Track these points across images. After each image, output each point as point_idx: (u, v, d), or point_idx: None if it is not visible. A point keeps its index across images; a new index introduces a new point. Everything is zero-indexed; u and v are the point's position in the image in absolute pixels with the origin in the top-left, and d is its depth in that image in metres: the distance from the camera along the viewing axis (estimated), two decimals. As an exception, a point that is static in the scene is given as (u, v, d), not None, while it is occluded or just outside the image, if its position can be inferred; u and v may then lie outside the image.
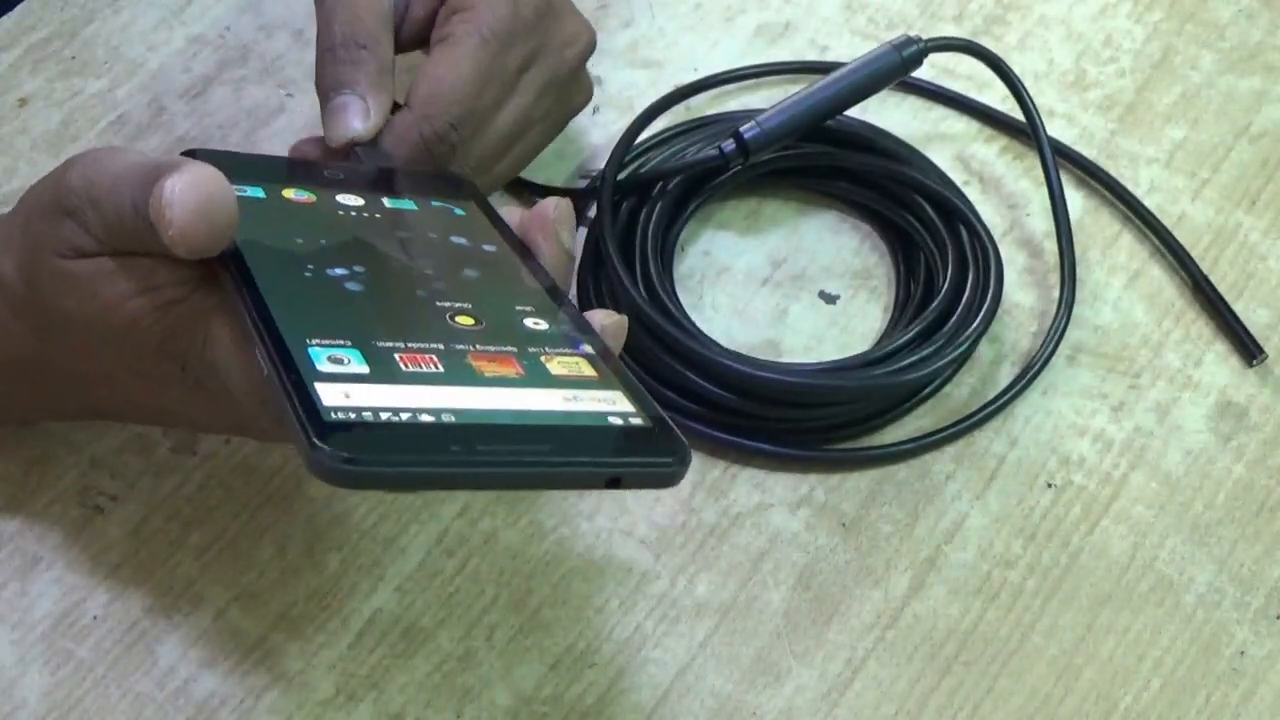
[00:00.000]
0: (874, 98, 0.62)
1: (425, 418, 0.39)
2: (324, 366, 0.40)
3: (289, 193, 0.49)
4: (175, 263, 0.45)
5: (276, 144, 0.64)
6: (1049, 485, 0.57)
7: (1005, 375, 0.59)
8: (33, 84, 0.66)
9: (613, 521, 0.55)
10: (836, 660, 0.52)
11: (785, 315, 0.61)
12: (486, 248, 0.49)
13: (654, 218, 0.60)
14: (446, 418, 0.39)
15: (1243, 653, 0.53)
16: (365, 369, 0.40)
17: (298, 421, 0.38)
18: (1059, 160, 0.65)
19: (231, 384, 0.44)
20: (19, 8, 0.68)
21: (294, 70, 0.67)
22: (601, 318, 0.47)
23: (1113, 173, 0.65)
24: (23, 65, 0.66)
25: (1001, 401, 0.58)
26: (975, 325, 0.58)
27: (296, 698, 0.51)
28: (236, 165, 0.49)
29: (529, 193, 0.63)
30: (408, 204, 0.51)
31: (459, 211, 0.52)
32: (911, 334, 0.57)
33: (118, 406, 0.51)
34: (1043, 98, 0.67)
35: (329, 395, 0.39)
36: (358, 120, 0.52)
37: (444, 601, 0.53)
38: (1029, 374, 0.59)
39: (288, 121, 0.65)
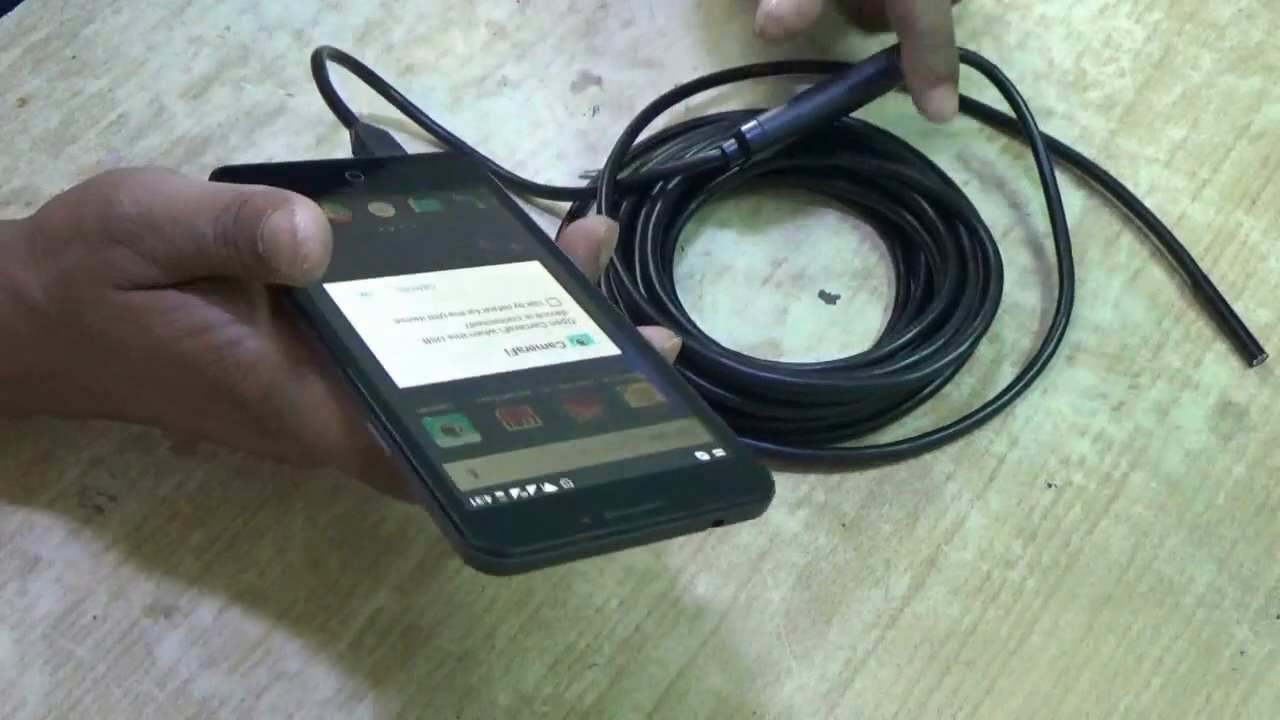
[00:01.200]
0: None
1: (548, 487, 0.40)
2: (442, 441, 0.41)
3: (327, 211, 0.49)
4: (234, 303, 0.45)
5: (277, 144, 0.64)
6: (1049, 485, 0.57)
7: (1005, 375, 0.59)
8: (33, 84, 0.66)
9: (613, 521, 0.55)
10: (836, 660, 0.52)
11: (785, 315, 0.61)
12: (515, 247, 0.50)
13: (654, 218, 0.60)
14: (565, 483, 0.41)
15: (1243, 653, 0.53)
16: (477, 437, 0.42)
17: (444, 515, 0.39)
18: (1059, 160, 0.65)
19: (304, 432, 0.45)
20: (19, 8, 0.68)
21: (294, 70, 0.67)
22: (660, 339, 0.48)
23: (1113, 173, 0.65)
24: (23, 65, 0.66)
25: (1001, 402, 0.58)
26: (975, 325, 0.58)
27: (296, 697, 0.51)
28: (268, 180, 0.50)
29: (529, 193, 0.63)
30: (433, 204, 0.52)
31: (480, 205, 0.52)
32: (911, 334, 0.57)
33: (132, 416, 0.51)
34: (1043, 98, 0.67)
35: (460, 479, 0.40)
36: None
37: (444, 601, 0.53)
38: (1029, 374, 0.59)
39: (287, 121, 0.65)
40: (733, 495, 0.42)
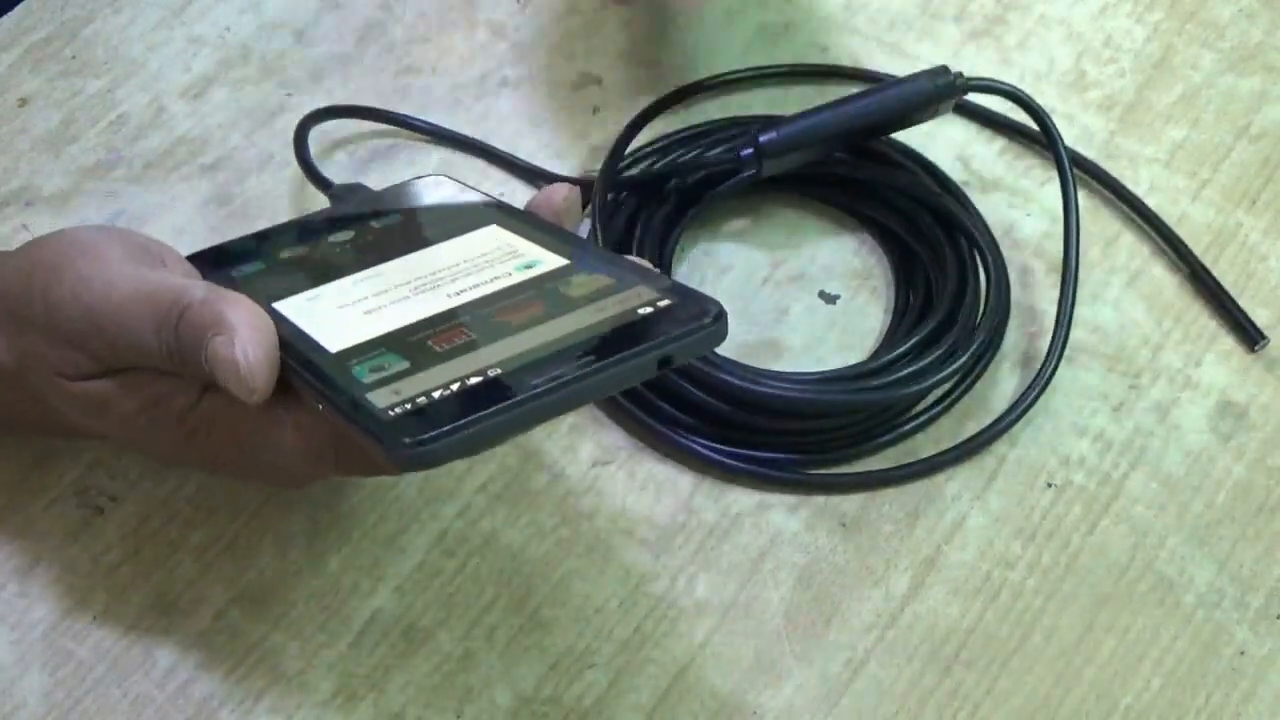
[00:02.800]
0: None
1: (473, 380, 0.40)
2: (368, 378, 0.41)
3: (284, 253, 0.51)
4: (180, 375, 0.45)
5: (277, 144, 0.64)
6: (1049, 485, 0.57)
7: (1005, 375, 0.59)
8: (33, 84, 0.66)
9: (612, 522, 0.55)
10: (836, 660, 0.52)
11: (785, 315, 0.61)
12: (472, 222, 0.51)
13: (654, 220, 0.60)
14: (493, 372, 0.40)
15: (1243, 653, 0.53)
16: (405, 364, 0.42)
17: (362, 431, 0.39)
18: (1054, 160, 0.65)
19: (282, 457, 0.45)
20: (19, 8, 0.68)
21: (294, 70, 0.67)
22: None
23: (1113, 173, 0.65)
24: (23, 65, 0.66)
25: (1005, 422, 0.57)
26: (976, 337, 0.57)
27: (296, 698, 0.51)
28: (233, 252, 0.52)
29: (535, 178, 0.63)
30: (394, 218, 0.53)
31: (444, 202, 0.53)
32: (909, 344, 0.57)
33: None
34: (1043, 98, 0.67)
35: (381, 399, 0.40)
36: None
37: (444, 601, 0.53)
38: (1032, 392, 0.58)
39: (288, 121, 0.65)
40: (675, 330, 0.41)
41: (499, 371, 0.40)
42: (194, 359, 0.43)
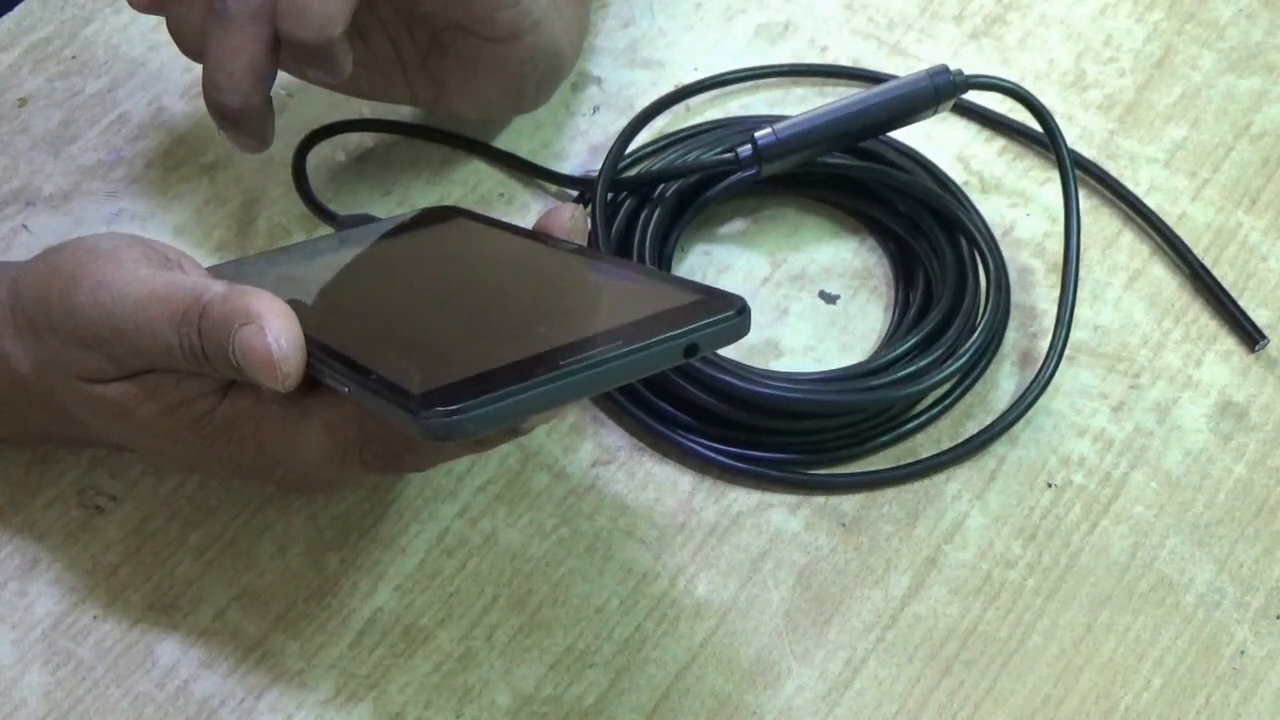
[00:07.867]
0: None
1: (500, 363, 0.41)
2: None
3: (298, 268, 0.52)
4: (201, 377, 0.45)
5: (278, 143, 0.63)
6: (1049, 485, 0.57)
7: (1005, 374, 0.59)
8: (33, 84, 0.66)
9: (612, 521, 0.55)
10: (836, 660, 0.52)
11: (785, 315, 0.61)
12: (488, 240, 0.51)
13: (655, 218, 0.60)
14: (520, 355, 0.41)
15: (1243, 653, 0.53)
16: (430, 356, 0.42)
17: (395, 405, 0.40)
18: (1057, 161, 0.64)
19: (305, 461, 0.45)
20: (19, 8, 0.68)
21: (294, 70, 0.67)
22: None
23: (1113, 173, 0.65)
24: (23, 65, 0.66)
25: (1005, 422, 0.57)
26: (976, 338, 0.57)
27: (296, 697, 0.51)
28: (244, 267, 0.53)
29: (539, 178, 0.64)
30: (405, 238, 0.54)
31: (455, 231, 0.54)
32: (910, 344, 0.57)
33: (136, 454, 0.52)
34: (1043, 98, 0.67)
35: (410, 383, 0.40)
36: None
37: (444, 601, 0.53)
38: (1032, 392, 0.58)
39: (288, 121, 0.65)
40: (701, 321, 0.42)
41: (526, 354, 0.41)
42: (219, 354, 0.43)
